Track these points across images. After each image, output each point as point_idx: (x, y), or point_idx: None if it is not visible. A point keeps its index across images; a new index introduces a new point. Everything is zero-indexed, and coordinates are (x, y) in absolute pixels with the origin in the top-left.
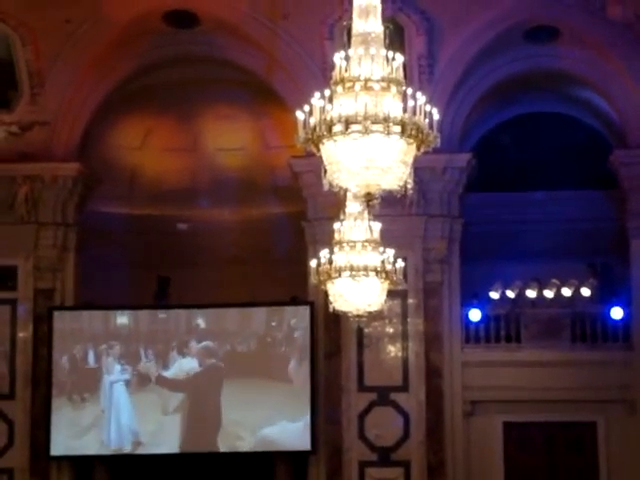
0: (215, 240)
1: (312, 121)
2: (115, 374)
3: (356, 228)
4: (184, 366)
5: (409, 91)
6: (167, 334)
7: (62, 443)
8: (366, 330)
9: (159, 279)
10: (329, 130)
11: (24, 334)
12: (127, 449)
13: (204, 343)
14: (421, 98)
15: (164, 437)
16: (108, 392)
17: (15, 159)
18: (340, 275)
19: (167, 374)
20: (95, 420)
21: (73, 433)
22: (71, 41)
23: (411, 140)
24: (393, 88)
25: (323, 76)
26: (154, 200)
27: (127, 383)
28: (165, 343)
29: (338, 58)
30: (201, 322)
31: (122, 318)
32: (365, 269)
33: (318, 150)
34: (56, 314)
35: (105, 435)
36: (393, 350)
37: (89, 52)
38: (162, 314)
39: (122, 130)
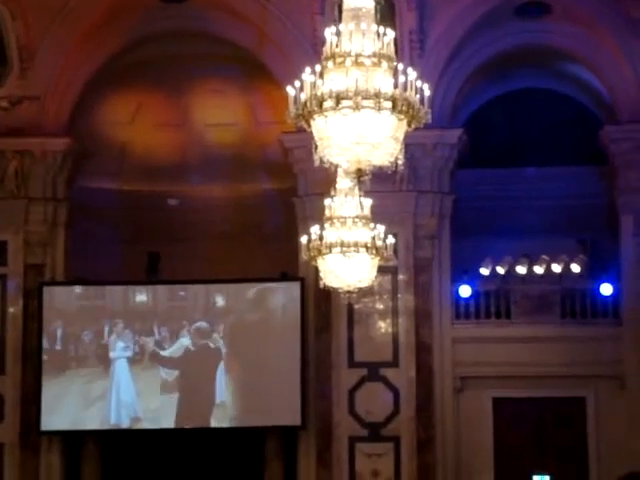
0: (205, 216)
1: (303, 97)
2: (117, 351)
3: (347, 204)
4: (182, 344)
5: (400, 67)
6: (173, 311)
7: (57, 418)
8: (356, 306)
9: (149, 255)
10: (320, 106)
11: (14, 309)
12: (125, 425)
13: (198, 324)
14: (412, 74)
15: (160, 414)
16: (110, 369)
17: (5, 134)
18: (331, 251)
19: (166, 352)
20: (96, 395)
21: (72, 408)
22: (61, 15)
23: (402, 116)
24: (384, 64)
25: (314, 51)
26: (144, 175)
27: (129, 360)
28: (172, 321)
29: (329, 33)
30: (200, 299)
31: (124, 294)
32: (356, 245)
33: (309, 126)
34: (46, 289)
35: (105, 411)
36: (383, 326)
37: (79, 27)
38: (179, 291)
39: (112, 105)
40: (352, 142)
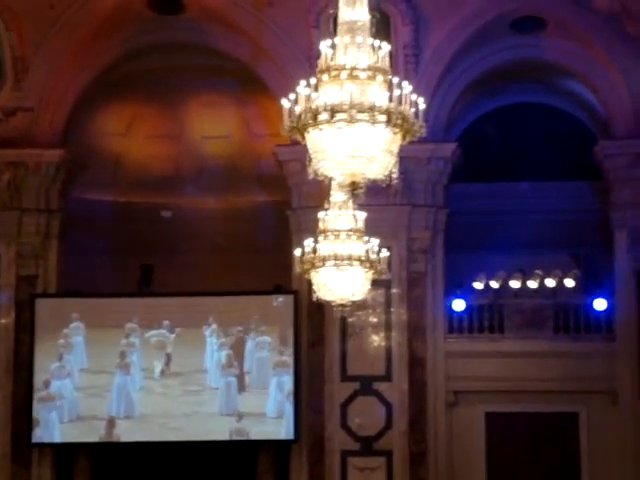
0: (199, 228)
1: (297, 109)
2: (112, 363)
3: (341, 217)
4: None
5: (395, 80)
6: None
7: (48, 431)
8: (349, 319)
9: (143, 267)
10: (314, 118)
11: (6, 321)
12: (118, 437)
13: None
14: (407, 87)
15: (152, 426)
16: (104, 381)
17: None
18: (324, 264)
19: (158, 363)
20: (88, 408)
21: (64, 421)
22: (55, 27)
23: (397, 129)
24: (379, 77)
25: (309, 64)
26: (138, 187)
27: (123, 372)
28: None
29: (324, 46)
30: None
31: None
32: (349, 258)
33: (303, 139)
34: (39, 301)
35: (99, 423)
36: (376, 340)
37: (73, 38)
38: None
39: (106, 117)
40: (347, 155)
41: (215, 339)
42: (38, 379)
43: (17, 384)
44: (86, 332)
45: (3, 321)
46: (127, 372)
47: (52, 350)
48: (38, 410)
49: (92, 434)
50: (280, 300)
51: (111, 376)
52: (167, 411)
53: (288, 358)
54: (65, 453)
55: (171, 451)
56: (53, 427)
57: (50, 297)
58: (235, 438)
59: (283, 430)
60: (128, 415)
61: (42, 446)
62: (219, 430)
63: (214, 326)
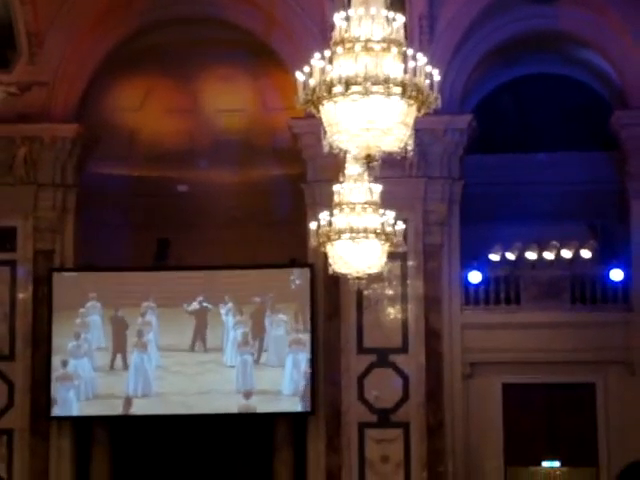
0: (214, 202)
1: (312, 82)
2: (128, 337)
3: (356, 190)
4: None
5: (409, 52)
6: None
7: (66, 404)
8: (366, 292)
9: (159, 241)
10: (329, 91)
11: (24, 295)
12: (136, 411)
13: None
14: (422, 59)
15: (170, 399)
16: (121, 355)
17: (14, 120)
18: (340, 237)
19: (171, 338)
20: (106, 381)
21: (82, 394)
22: (70, 1)
23: (412, 101)
24: (393, 49)
25: (323, 37)
26: (153, 161)
27: (140, 345)
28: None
29: (338, 18)
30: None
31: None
32: (365, 231)
33: (318, 111)
34: (56, 275)
35: (116, 396)
36: (393, 312)
37: (88, 13)
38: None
39: (121, 91)
40: (361, 128)
41: (231, 317)
42: (56, 358)
43: (36, 359)
44: (103, 311)
45: (21, 295)
46: (144, 351)
47: (69, 328)
48: (56, 389)
49: (109, 412)
50: (296, 275)
51: (128, 355)
52: (183, 389)
53: (304, 334)
54: (84, 425)
55: (190, 425)
56: (71, 405)
57: (68, 271)
58: (253, 410)
59: (300, 403)
60: (145, 394)
61: (61, 419)
62: (234, 408)
63: (230, 305)
